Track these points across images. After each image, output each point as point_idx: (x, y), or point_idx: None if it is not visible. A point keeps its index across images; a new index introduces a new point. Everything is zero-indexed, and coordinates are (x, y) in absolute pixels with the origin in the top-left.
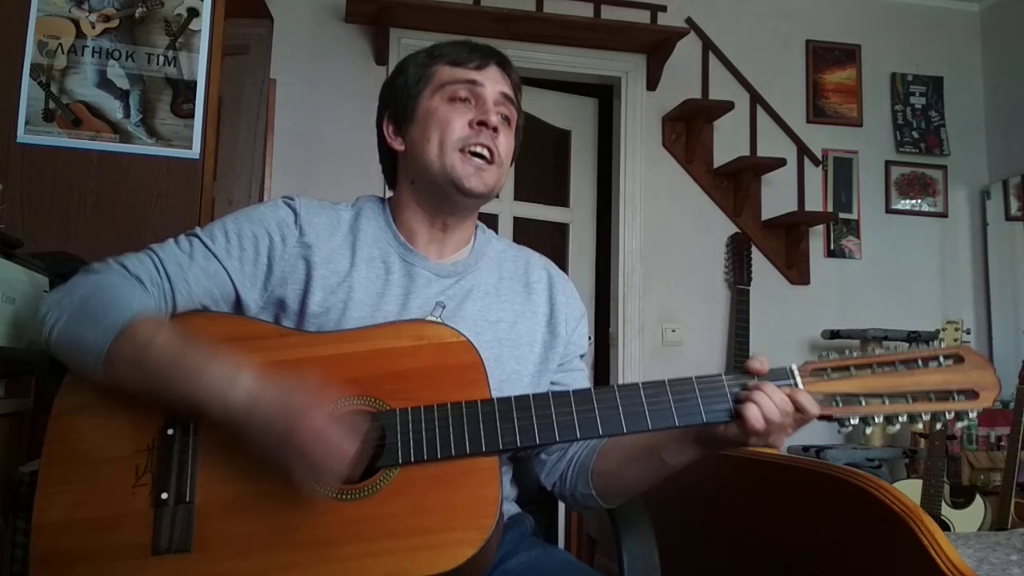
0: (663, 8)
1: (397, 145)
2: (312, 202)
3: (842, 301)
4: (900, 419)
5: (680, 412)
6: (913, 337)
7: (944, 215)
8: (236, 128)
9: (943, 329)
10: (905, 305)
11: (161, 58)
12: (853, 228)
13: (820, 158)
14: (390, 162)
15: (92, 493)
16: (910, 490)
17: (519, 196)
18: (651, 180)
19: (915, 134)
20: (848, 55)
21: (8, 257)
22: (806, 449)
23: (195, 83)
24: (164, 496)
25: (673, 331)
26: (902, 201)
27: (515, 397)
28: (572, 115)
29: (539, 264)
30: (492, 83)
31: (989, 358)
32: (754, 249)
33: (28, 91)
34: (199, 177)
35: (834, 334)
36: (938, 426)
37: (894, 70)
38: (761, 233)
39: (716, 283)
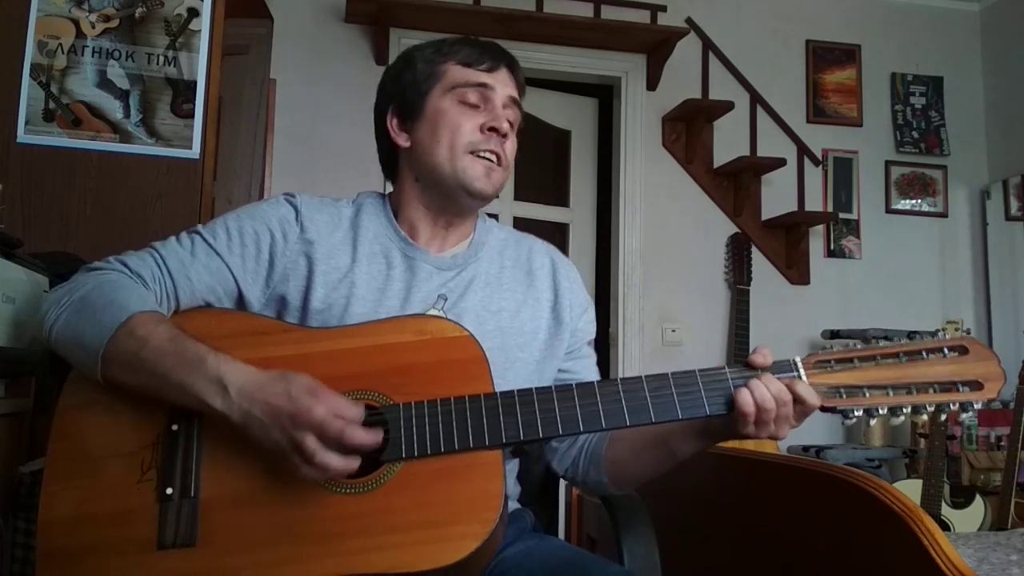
0: (663, 8)
1: (402, 141)
2: (313, 199)
3: (842, 301)
4: (904, 410)
5: (683, 405)
6: (913, 337)
7: (944, 215)
8: (236, 128)
9: (943, 329)
10: (905, 305)
11: (161, 58)
12: (853, 228)
13: (820, 158)
14: (391, 155)
15: (97, 489)
16: (910, 490)
17: (519, 196)
18: (651, 180)
19: (915, 134)
20: (848, 55)
21: (8, 257)
22: (806, 449)
23: (195, 83)
24: (169, 491)
25: (673, 331)
26: (902, 201)
27: (518, 391)
28: (572, 115)
29: (542, 251)
30: (502, 86)
31: None
32: (754, 249)
33: (28, 91)
34: (199, 177)
35: (834, 334)
36: (942, 417)
37: (894, 70)
38: (761, 233)
39: (716, 283)
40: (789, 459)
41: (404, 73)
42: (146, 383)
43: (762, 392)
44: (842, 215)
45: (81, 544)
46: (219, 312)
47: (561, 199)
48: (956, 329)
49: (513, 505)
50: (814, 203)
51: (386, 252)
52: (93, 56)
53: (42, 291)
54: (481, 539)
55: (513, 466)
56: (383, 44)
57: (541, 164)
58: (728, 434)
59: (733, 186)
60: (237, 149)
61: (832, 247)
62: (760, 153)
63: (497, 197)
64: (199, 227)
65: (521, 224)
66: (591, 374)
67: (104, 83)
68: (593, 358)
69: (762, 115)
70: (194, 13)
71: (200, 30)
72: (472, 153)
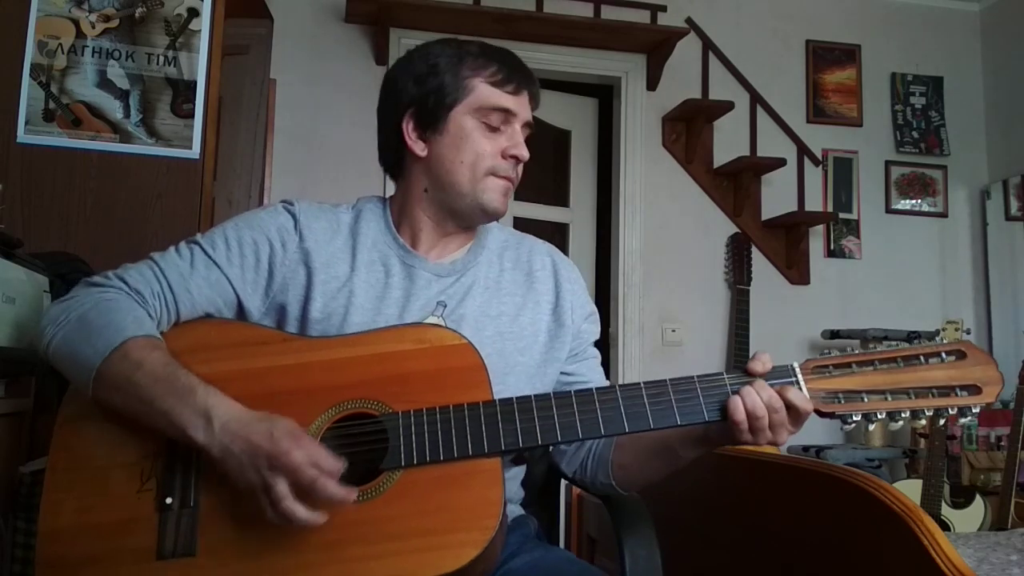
0: (663, 8)
1: (418, 150)
2: (312, 206)
3: (842, 301)
4: (903, 415)
5: (682, 411)
6: (913, 337)
7: (944, 215)
8: (236, 128)
9: (943, 329)
10: (905, 305)
11: (161, 58)
12: (853, 228)
13: (820, 158)
14: (398, 154)
15: (97, 499)
16: (910, 490)
17: (519, 196)
18: (651, 180)
19: (915, 134)
20: (848, 55)
21: (8, 257)
22: (806, 449)
23: (195, 83)
24: (168, 501)
25: (673, 331)
26: (902, 201)
27: (517, 398)
28: (572, 115)
29: (543, 251)
30: (523, 111)
31: None
32: (754, 249)
33: (28, 91)
34: (199, 177)
35: (834, 334)
36: (941, 422)
37: (894, 70)
38: (761, 233)
39: (716, 283)
40: (789, 459)
41: (428, 79)
42: (135, 408)
43: (753, 399)
44: (842, 215)
45: (81, 554)
46: (219, 322)
47: (561, 199)
48: (956, 329)
49: (516, 510)
50: (814, 203)
51: (384, 260)
52: (93, 56)
53: (42, 291)
54: (481, 547)
55: (516, 472)
56: (383, 44)
57: (541, 164)
58: (726, 441)
59: (733, 186)
60: (237, 149)
61: (832, 247)
62: (760, 153)
63: None
64: (198, 237)
65: (521, 224)
66: (596, 376)
67: (104, 83)
68: (598, 359)
69: (762, 115)
70: (194, 13)
71: (200, 30)
72: (491, 175)
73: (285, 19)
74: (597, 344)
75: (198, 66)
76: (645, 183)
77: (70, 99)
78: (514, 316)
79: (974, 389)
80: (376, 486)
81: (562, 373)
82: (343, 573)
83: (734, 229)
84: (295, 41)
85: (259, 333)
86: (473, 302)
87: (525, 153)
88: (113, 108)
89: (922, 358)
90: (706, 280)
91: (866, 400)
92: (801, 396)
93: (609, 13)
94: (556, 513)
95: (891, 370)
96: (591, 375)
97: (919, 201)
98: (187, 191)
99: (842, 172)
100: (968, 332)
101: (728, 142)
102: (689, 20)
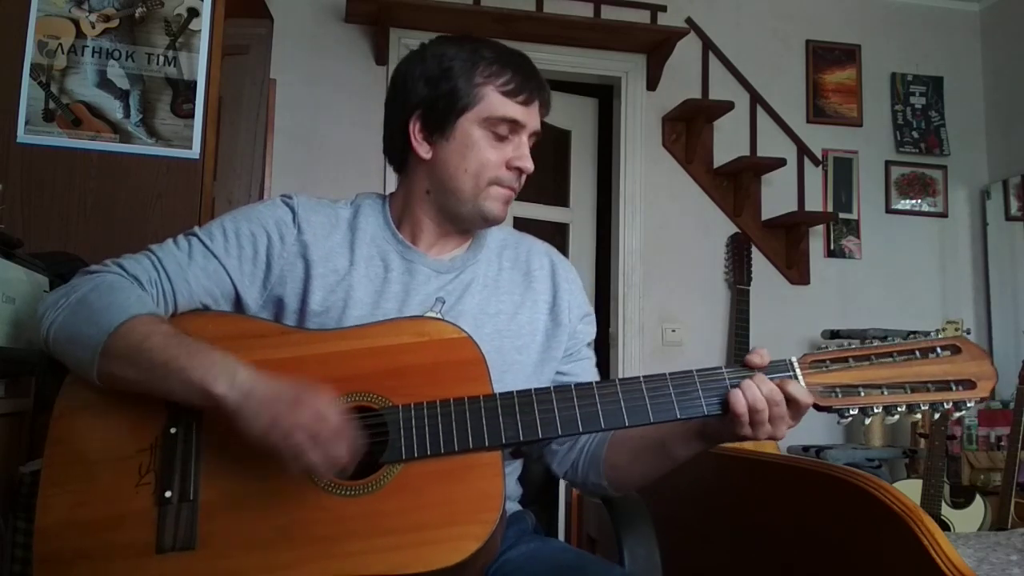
0: (663, 8)
1: (423, 152)
2: (311, 200)
3: (842, 301)
4: (899, 409)
5: (682, 405)
6: (911, 338)
7: (944, 215)
8: (236, 128)
9: (943, 329)
10: (905, 305)
11: (161, 58)
12: (853, 228)
13: (820, 158)
14: (403, 152)
15: (95, 493)
16: (910, 490)
17: (519, 196)
18: (651, 180)
19: (915, 134)
20: (848, 55)
21: (8, 257)
22: (806, 449)
23: (195, 83)
24: (168, 494)
25: (673, 331)
26: (902, 201)
27: (517, 392)
28: (572, 115)
29: (541, 251)
30: (532, 121)
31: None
32: (754, 249)
33: (28, 91)
34: (199, 177)
35: (834, 334)
36: (936, 416)
37: (894, 70)
38: (761, 233)
39: (716, 283)
40: (789, 459)
41: (440, 82)
42: (145, 376)
43: (754, 393)
44: (842, 215)
45: (79, 548)
46: (216, 315)
47: (561, 199)
48: (956, 329)
49: (514, 507)
50: (814, 203)
51: (383, 255)
52: (93, 56)
53: (42, 291)
54: (481, 540)
55: (514, 468)
56: (383, 44)
57: (541, 164)
58: (725, 436)
59: (733, 186)
60: (237, 149)
61: (832, 247)
62: (760, 153)
63: None
64: (196, 229)
65: (521, 224)
66: (590, 376)
67: (104, 83)
68: (592, 360)
69: (762, 115)
70: (194, 13)
71: (200, 30)
72: (494, 184)
73: (285, 19)
74: (597, 344)
75: (198, 66)
76: (645, 183)
77: (70, 99)
78: (512, 315)
79: (969, 384)
80: (376, 480)
81: (557, 372)
82: (343, 567)
83: (734, 229)
84: (295, 41)
85: (257, 326)
86: (472, 299)
87: (530, 165)
88: (113, 108)
89: (918, 353)
90: (706, 280)
91: (863, 394)
92: (801, 389)
93: (609, 13)
94: (556, 513)
95: (887, 364)
96: (585, 376)
97: (919, 201)
98: (187, 191)
99: (842, 172)
100: (968, 332)
101: (728, 142)
102: (689, 20)
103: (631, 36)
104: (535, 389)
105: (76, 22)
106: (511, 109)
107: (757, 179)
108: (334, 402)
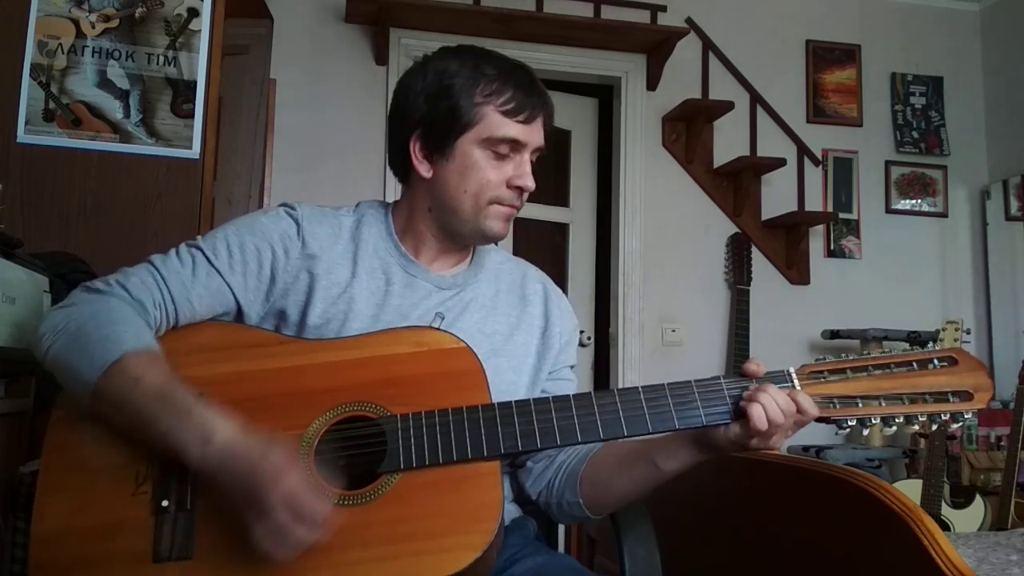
0: (663, 8)
1: (423, 171)
2: (314, 211)
3: (842, 301)
4: (896, 420)
5: (680, 415)
6: (913, 337)
7: (944, 215)
8: (236, 128)
9: (943, 329)
10: (905, 305)
11: (161, 58)
12: (853, 228)
13: (820, 158)
14: (405, 168)
15: (92, 500)
16: (910, 490)
17: None
18: (651, 180)
19: (915, 134)
20: (848, 55)
21: (8, 257)
22: (806, 449)
23: (195, 83)
24: (165, 503)
25: (673, 331)
26: (902, 201)
27: (515, 401)
28: (572, 115)
29: (535, 278)
30: (534, 139)
31: (989, 358)
32: (754, 249)
33: (28, 91)
34: (199, 177)
35: (834, 334)
36: (934, 427)
37: (894, 70)
38: (761, 233)
39: (716, 283)
40: (789, 459)
41: (440, 100)
42: (130, 424)
43: (774, 409)
44: (842, 215)
45: (75, 556)
46: (216, 324)
47: (561, 199)
48: (956, 329)
49: (513, 510)
50: (814, 203)
51: (385, 267)
52: (93, 56)
53: (42, 291)
54: (480, 550)
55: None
56: (383, 44)
57: (541, 164)
58: (723, 447)
59: (733, 186)
60: (237, 149)
61: (832, 247)
62: (760, 153)
63: None
64: (199, 241)
65: (521, 224)
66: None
67: (104, 83)
68: (573, 382)
69: (762, 115)
70: (194, 13)
71: (200, 30)
72: (495, 203)
73: (285, 19)
74: (597, 344)
75: (198, 66)
76: (645, 183)
77: (70, 99)
78: (508, 336)
79: (966, 395)
80: (374, 489)
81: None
82: None
83: (734, 229)
84: (295, 41)
85: (256, 336)
86: (470, 318)
87: (531, 184)
88: (113, 108)
89: (915, 364)
90: (706, 280)
91: (860, 405)
92: (809, 401)
93: (609, 13)
94: None
95: (885, 376)
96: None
97: (919, 201)
98: (187, 191)
99: (842, 172)
100: (968, 332)
101: (728, 142)
102: (689, 20)
103: (631, 36)
104: (533, 399)
105: (76, 22)
106: (512, 129)
107: (757, 179)
108: (303, 480)
